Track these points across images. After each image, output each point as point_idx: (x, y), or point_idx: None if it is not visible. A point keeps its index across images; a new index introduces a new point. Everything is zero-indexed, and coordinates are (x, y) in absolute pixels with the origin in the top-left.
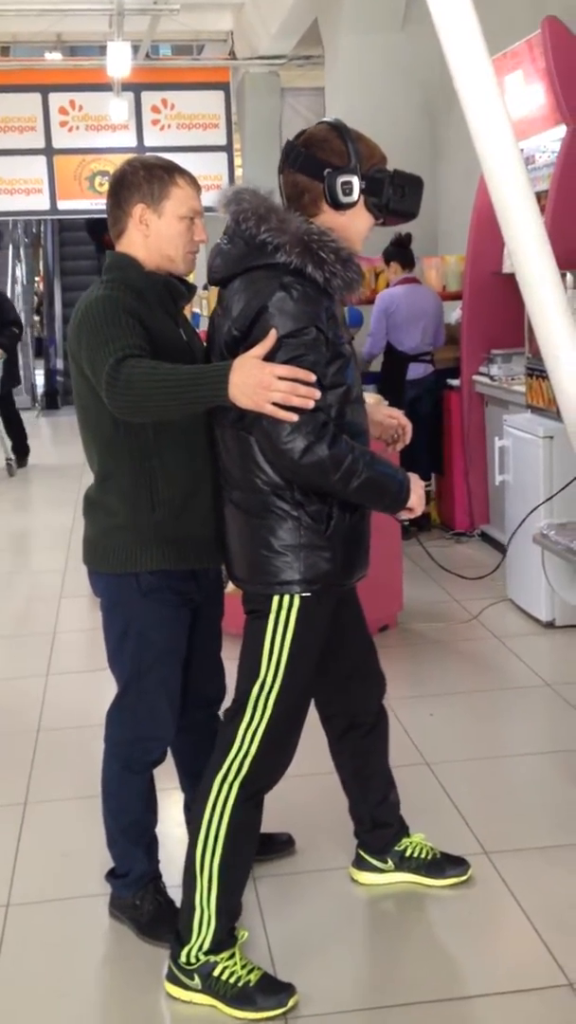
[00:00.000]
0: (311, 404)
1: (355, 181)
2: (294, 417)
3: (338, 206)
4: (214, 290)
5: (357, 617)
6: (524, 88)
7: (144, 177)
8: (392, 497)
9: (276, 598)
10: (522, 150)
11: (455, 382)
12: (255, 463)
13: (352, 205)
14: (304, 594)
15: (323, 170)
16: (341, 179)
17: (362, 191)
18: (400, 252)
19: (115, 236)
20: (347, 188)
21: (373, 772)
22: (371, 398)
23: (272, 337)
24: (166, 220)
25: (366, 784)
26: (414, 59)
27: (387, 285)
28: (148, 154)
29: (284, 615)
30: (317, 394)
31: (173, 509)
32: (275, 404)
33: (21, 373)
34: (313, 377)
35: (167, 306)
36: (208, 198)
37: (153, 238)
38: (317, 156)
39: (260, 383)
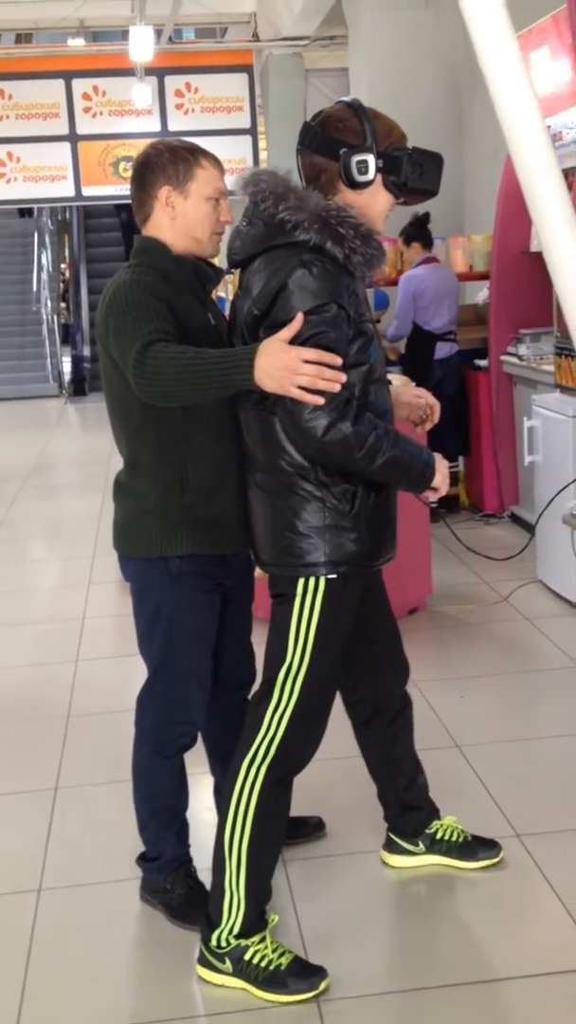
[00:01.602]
0: (337, 387)
1: (371, 160)
2: (320, 400)
3: (354, 185)
4: (238, 273)
5: (383, 604)
6: (550, 64)
7: (169, 159)
8: (418, 475)
9: (302, 581)
10: (548, 127)
11: (483, 362)
12: (278, 444)
13: (368, 184)
14: (330, 576)
15: (339, 149)
16: (356, 158)
17: (379, 169)
18: (421, 232)
19: (141, 221)
20: (362, 167)
21: (400, 757)
22: (398, 379)
23: (299, 320)
24: (192, 201)
25: (393, 769)
26: (439, 37)
27: (406, 267)
28: (170, 138)
29: (310, 598)
30: (343, 377)
31: (202, 493)
32: (301, 388)
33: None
34: (340, 360)
35: (195, 290)
36: (228, 181)
37: (180, 220)
38: (333, 136)
39: (286, 366)
